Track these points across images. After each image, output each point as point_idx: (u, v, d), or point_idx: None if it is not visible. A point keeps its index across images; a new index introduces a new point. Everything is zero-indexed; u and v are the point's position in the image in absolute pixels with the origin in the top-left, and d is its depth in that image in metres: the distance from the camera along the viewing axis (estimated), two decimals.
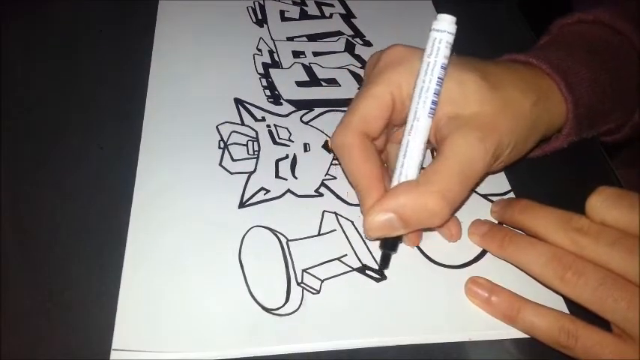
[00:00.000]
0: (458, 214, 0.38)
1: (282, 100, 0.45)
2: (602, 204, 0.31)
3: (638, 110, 0.41)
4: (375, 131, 0.35)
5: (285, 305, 0.33)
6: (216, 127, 0.43)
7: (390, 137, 0.38)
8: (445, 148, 0.33)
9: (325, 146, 0.42)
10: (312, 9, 0.54)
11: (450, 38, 0.34)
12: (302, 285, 0.34)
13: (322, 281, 0.34)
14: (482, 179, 0.35)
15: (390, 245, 0.35)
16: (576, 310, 0.32)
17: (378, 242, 0.36)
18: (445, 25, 0.34)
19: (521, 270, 0.34)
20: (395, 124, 0.37)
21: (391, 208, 0.33)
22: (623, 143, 0.43)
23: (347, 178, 0.37)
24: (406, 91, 0.35)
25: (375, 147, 0.36)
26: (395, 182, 0.34)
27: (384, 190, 0.34)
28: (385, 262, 0.35)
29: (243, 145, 0.42)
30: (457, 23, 0.34)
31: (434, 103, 0.34)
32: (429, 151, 0.40)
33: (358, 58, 0.49)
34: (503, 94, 0.35)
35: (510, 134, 0.34)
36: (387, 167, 0.39)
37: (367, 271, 0.35)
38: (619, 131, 0.42)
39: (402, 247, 0.36)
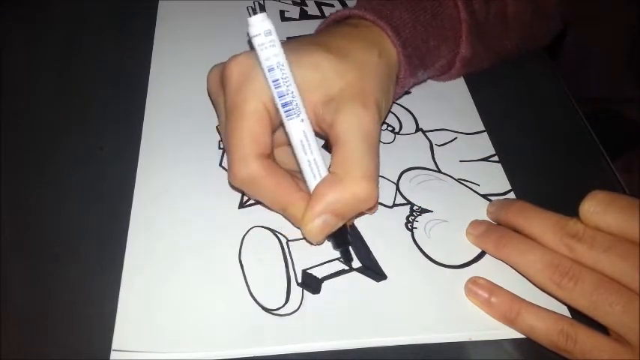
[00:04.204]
0: (458, 215, 0.38)
1: None
2: (595, 209, 0.31)
3: (462, 43, 0.42)
4: (268, 147, 0.34)
5: (285, 305, 0.33)
6: (216, 127, 0.43)
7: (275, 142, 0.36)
8: (339, 131, 0.33)
9: (325, 146, 0.42)
10: (312, 9, 0.54)
11: (265, 39, 0.32)
12: (302, 285, 0.34)
13: (322, 281, 0.35)
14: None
15: (341, 242, 0.35)
16: (577, 311, 0.32)
17: (377, 241, 0.36)
18: (255, 29, 0.32)
19: (517, 271, 0.34)
20: (276, 130, 0.35)
21: (322, 210, 0.33)
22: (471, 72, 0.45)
23: (265, 205, 0.36)
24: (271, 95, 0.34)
25: (274, 162, 0.34)
26: (311, 184, 0.34)
27: (306, 196, 0.34)
28: (347, 257, 0.35)
29: None
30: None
31: (284, 105, 0.33)
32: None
33: None
34: (354, 59, 0.35)
35: (380, 92, 0.35)
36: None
37: (367, 271, 0.35)
38: (451, 67, 0.44)
39: (403, 247, 0.36)
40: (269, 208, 0.37)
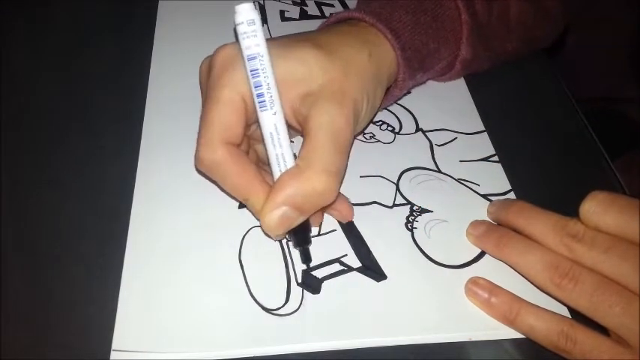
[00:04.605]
0: (458, 215, 0.38)
1: None
2: (595, 209, 0.31)
3: (463, 45, 0.42)
4: (238, 137, 0.34)
5: (285, 305, 0.33)
6: None
7: (253, 135, 0.37)
8: (310, 126, 0.33)
9: None
10: (312, 9, 0.54)
11: (248, 28, 0.32)
12: (302, 285, 0.34)
13: (322, 281, 0.35)
14: (352, 143, 0.36)
15: (301, 240, 0.35)
16: (577, 312, 0.32)
17: (377, 241, 0.36)
18: (239, 17, 0.32)
19: (517, 272, 0.34)
20: (253, 122, 0.36)
21: (281, 201, 0.32)
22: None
23: (227, 192, 0.36)
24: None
25: (242, 151, 0.35)
26: (277, 177, 0.34)
27: (268, 187, 0.34)
28: (307, 256, 0.35)
29: None
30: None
31: (259, 96, 0.33)
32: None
33: None
34: (341, 56, 0.35)
35: (360, 92, 0.35)
36: (260, 164, 0.38)
37: (367, 271, 0.35)
38: (451, 69, 0.44)
39: (403, 247, 0.36)
40: (232, 197, 0.37)
